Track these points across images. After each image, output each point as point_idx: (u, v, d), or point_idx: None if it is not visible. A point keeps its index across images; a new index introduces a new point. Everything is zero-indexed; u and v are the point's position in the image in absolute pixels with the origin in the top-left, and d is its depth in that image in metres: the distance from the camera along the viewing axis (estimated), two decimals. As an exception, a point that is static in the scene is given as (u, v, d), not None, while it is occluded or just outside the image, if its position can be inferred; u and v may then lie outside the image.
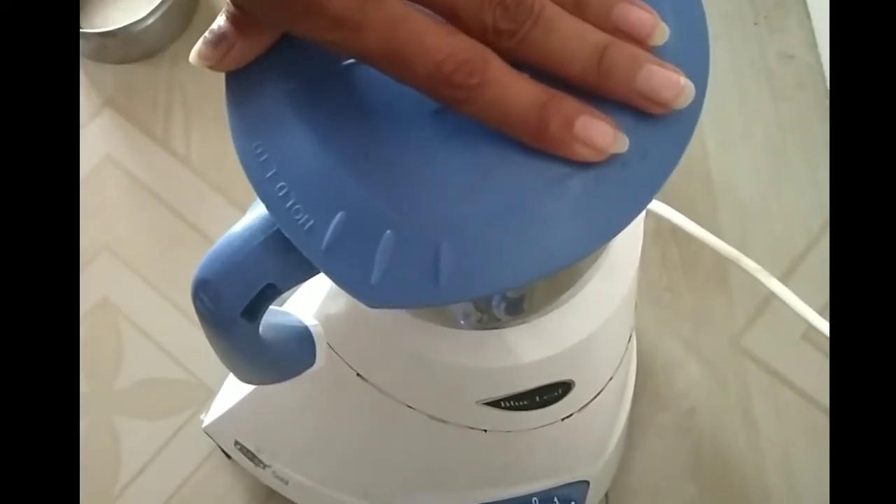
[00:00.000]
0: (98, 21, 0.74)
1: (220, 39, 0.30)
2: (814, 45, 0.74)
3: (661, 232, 0.68)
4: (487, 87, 0.28)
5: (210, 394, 0.64)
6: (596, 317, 0.43)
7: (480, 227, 0.29)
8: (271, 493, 0.63)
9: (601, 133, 0.29)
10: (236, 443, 0.60)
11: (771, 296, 0.65)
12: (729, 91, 0.72)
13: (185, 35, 0.75)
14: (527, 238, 0.29)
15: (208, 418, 0.62)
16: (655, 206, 0.60)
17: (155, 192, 0.72)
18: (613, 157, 0.29)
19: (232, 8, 0.30)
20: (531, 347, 0.42)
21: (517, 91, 0.28)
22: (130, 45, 0.74)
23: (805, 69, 0.73)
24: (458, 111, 0.28)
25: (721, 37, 0.73)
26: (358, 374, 0.48)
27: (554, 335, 0.43)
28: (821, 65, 0.73)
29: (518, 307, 0.41)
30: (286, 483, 0.60)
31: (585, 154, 0.29)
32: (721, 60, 0.73)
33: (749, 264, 0.59)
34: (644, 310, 0.67)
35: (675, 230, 0.62)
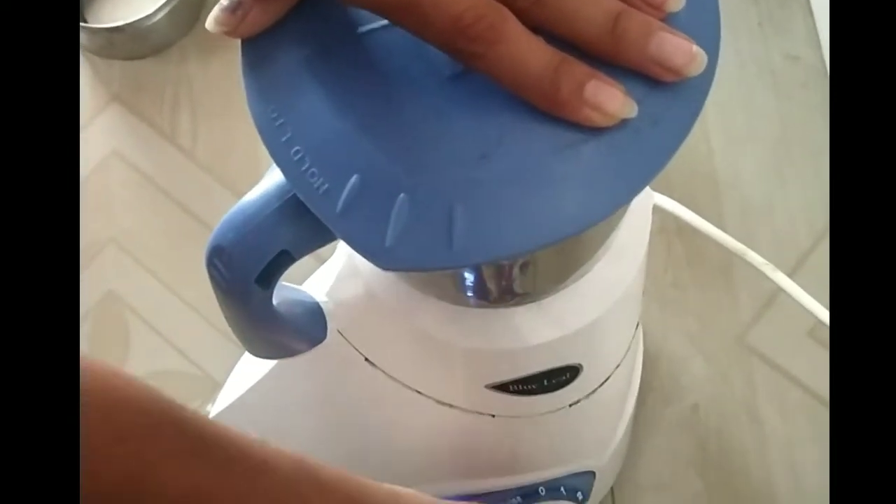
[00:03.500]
0: (106, 17, 0.74)
1: (236, 5, 0.30)
2: (818, 45, 0.74)
3: (666, 228, 0.69)
4: (504, 45, 0.28)
5: (216, 386, 0.64)
6: (604, 300, 0.43)
7: (494, 190, 0.29)
8: (276, 485, 0.63)
9: (611, 98, 0.29)
10: (242, 434, 0.60)
11: (776, 292, 0.65)
12: (734, 90, 0.73)
13: (192, 31, 0.76)
14: (540, 202, 0.29)
15: (214, 409, 0.62)
16: (661, 201, 0.60)
17: (161, 187, 0.73)
18: (624, 124, 0.29)
19: None
20: (539, 329, 0.43)
21: (532, 51, 0.28)
22: (138, 41, 0.74)
23: (809, 69, 0.73)
24: (472, 66, 0.29)
25: (726, 37, 0.73)
26: (367, 360, 0.48)
27: (562, 317, 0.43)
28: (824, 65, 0.73)
29: (528, 286, 0.41)
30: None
31: (595, 118, 0.29)
32: (726, 60, 0.73)
33: (755, 258, 0.59)
34: (649, 306, 0.67)
35: (681, 226, 0.63)
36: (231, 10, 0.30)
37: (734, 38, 0.74)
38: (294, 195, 0.31)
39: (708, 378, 0.66)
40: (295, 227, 0.33)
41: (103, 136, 0.74)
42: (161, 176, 0.73)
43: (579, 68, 0.29)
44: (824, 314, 0.59)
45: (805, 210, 0.70)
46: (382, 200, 0.29)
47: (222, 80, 0.74)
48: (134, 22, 0.73)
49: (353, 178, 0.29)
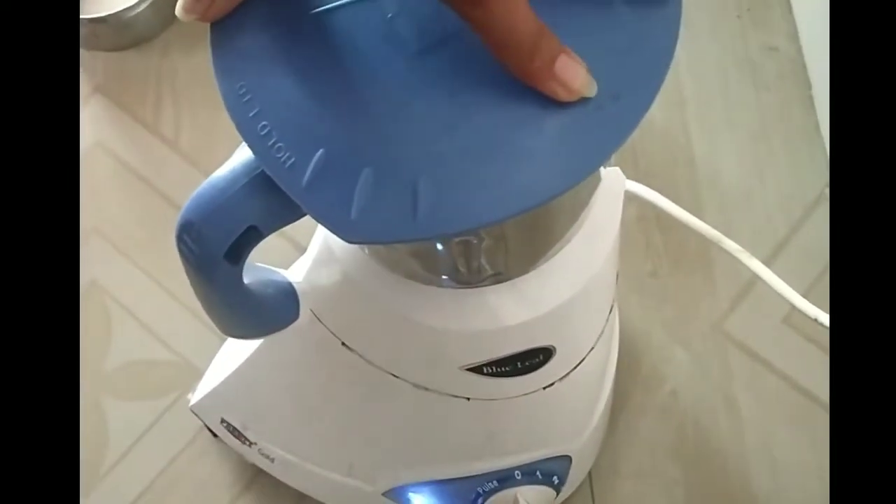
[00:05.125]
0: (89, 7, 0.75)
1: None
2: (796, 37, 0.75)
3: (645, 218, 0.69)
4: (503, 2, 0.28)
5: (197, 375, 0.64)
6: (577, 280, 0.44)
7: (457, 162, 0.29)
8: (257, 473, 0.64)
9: (576, 75, 0.30)
10: (222, 420, 0.61)
11: (753, 280, 0.66)
12: (713, 81, 0.73)
13: (176, 22, 0.76)
14: (503, 173, 0.29)
15: (195, 397, 0.62)
16: (639, 190, 0.61)
17: (144, 177, 0.73)
18: (586, 100, 0.30)
19: None
20: (512, 310, 0.43)
21: (522, 17, 0.29)
22: (121, 33, 0.75)
23: (787, 61, 0.74)
24: (468, 17, 0.29)
25: (705, 29, 0.74)
26: (343, 343, 0.48)
27: (535, 298, 0.43)
28: (802, 57, 0.74)
29: (499, 265, 0.41)
30: (272, 461, 0.61)
31: (559, 93, 0.30)
32: (705, 52, 0.74)
33: (731, 245, 0.60)
34: (628, 295, 0.68)
35: (660, 216, 0.63)
36: None
37: (713, 30, 0.75)
38: (262, 171, 0.32)
39: (686, 365, 0.66)
40: (263, 203, 0.34)
41: (87, 127, 0.74)
42: (144, 167, 0.73)
43: (554, 42, 0.30)
44: (800, 301, 0.60)
45: (782, 199, 0.70)
46: (347, 174, 0.29)
47: (206, 72, 0.73)
48: (117, 13, 0.73)
49: (319, 153, 0.30)
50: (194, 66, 0.75)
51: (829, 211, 0.69)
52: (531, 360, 0.46)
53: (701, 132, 0.72)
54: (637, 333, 0.67)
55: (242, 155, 0.35)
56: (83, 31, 0.74)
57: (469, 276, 0.41)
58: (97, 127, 0.74)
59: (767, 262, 0.67)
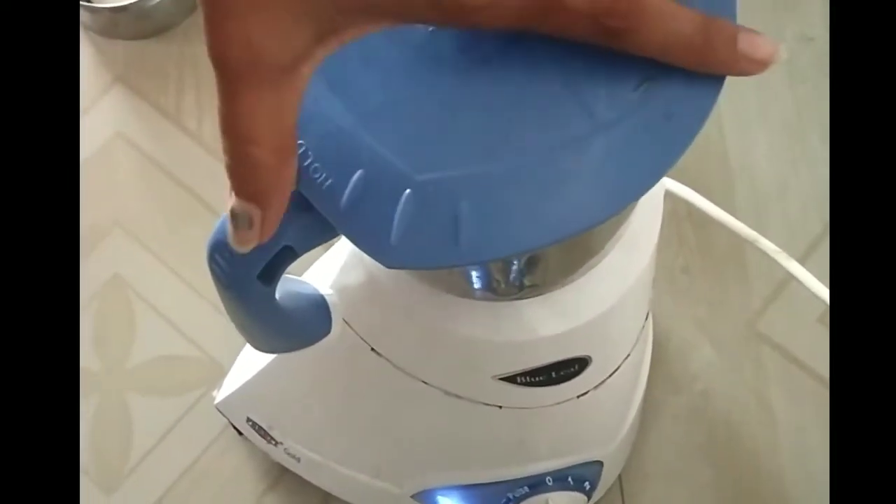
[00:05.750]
0: (110, -4, 0.74)
1: (248, 222, 0.29)
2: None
3: (676, 213, 0.68)
4: (649, 14, 0.27)
5: (222, 371, 0.63)
6: (615, 291, 0.42)
7: (501, 186, 0.28)
8: (283, 471, 0.63)
9: (763, 45, 0.29)
10: (248, 419, 0.60)
11: (787, 279, 0.64)
12: (747, 73, 0.72)
13: (197, 11, 0.75)
14: (548, 199, 0.28)
15: (220, 395, 0.61)
16: (672, 186, 0.59)
17: (167, 170, 0.72)
18: (636, 119, 0.28)
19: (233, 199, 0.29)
20: (548, 321, 0.42)
21: (679, 17, 0.28)
22: (142, 21, 0.73)
23: (823, 51, 0.72)
24: (619, 44, 0.27)
25: (739, 19, 0.72)
26: (373, 349, 0.47)
27: (572, 309, 0.42)
28: (840, 47, 0.72)
29: (536, 278, 0.40)
30: (298, 460, 0.60)
31: (751, 68, 0.29)
32: (739, 42, 0.72)
33: (767, 245, 0.59)
34: (659, 292, 0.67)
35: (692, 211, 0.62)
36: (246, 227, 0.29)
37: (748, 20, 0.72)
38: (298, 190, 0.31)
39: (717, 365, 0.65)
40: (299, 223, 0.32)
41: (107, 118, 0.73)
42: (166, 159, 0.72)
43: (726, 24, 0.29)
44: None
45: (817, 195, 0.69)
46: (387, 196, 0.28)
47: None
48: (138, 2, 0.72)
49: (358, 174, 0.28)
50: (217, 56, 0.74)
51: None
52: (567, 369, 0.45)
53: (734, 125, 0.71)
54: (668, 331, 0.66)
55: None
56: (103, 20, 0.73)
57: (506, 289, 0.40)
58: (118, 117, 0.73)
59: (803, 258, 0.66)
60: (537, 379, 0.45)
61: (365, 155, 0.29)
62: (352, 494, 0.61)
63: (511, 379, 0.45)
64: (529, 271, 0.39)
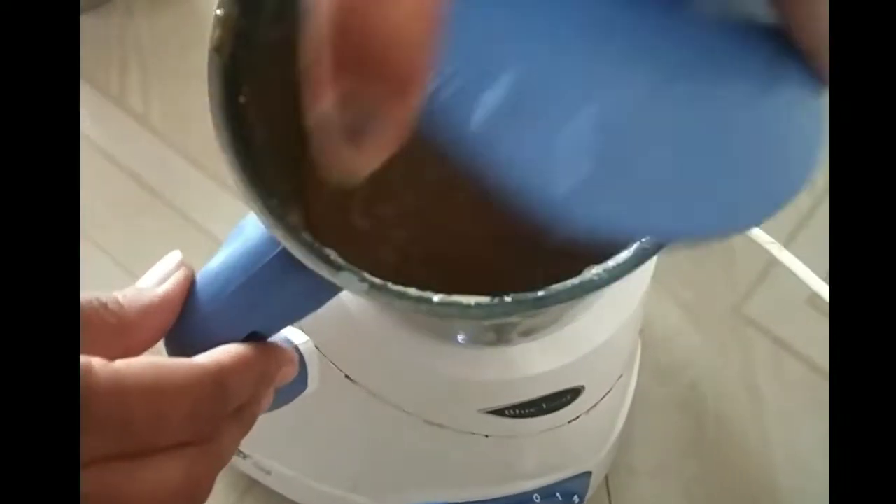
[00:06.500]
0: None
1: (364, 119, 0.17)
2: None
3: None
4: None
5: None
6: (611, 324, 0.39)
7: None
8: (252, 483, 0.60)
9: None
10: (213, 433, 0.56)
11: (773, 261, 0.61)
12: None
13: (138, -19, 0.69)
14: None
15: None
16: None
17: (111, 156, 0.67)
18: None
19: None
20: (539, 359, 0.39)
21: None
22: (78, -6, 0.67)
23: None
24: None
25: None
26: (346, 376, 0.44)
27: (565, 346, 0.39)
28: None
29: (527, 329, 0.36)
30: (269, 473, 0.57)
31: None
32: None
33: (757, 233, 0.56)
34: (641, 275, 0.64)
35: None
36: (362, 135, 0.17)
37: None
38: (266, 264, 0.27)
39: (704, 353, 0.62)
40: (272, 299, 0.28)
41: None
42: (110, 144, 0.67)
43: None
44: (822, 287, 0.56)
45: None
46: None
47: (175, 35, 0.68)
48: (71, -27, 0.65)
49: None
50: (162, 31, 0.68)
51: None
52: (559, 400, 0.42)
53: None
54: (652, 318, 0.63)
55: (231, 249, 0.29)
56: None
57: (496, 341, 0.37)
58: (57, 100, 0.68)
59: (791, 237, 0.63)
60: (527, 411, 0.42)
61: None
62: (327, 507, 0.58)
63: (499, 412, 0.42)
64: (521, 328, 0.35)
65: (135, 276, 0.64)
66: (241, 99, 0.30)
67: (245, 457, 0.56)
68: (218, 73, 0.29)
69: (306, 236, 0.28)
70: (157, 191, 0.66)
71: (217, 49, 0.29)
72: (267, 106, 0.31)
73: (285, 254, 0.27)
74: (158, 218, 0.65)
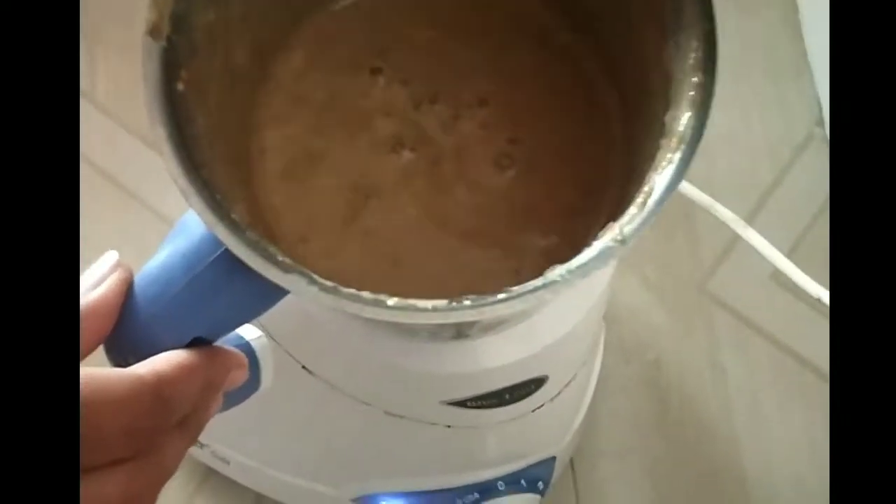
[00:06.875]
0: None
1: None
2: (782, -46, 0.68)
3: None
4: None
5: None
6: (573, 314, 0.38)
7: None
8: (209, 473, 0.58)
9: None
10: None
11: (737, 236, 0.60)
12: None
13: (80, -48, 0.66)
14: None
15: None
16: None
17: (58, 136, 0.64)
18: None
19: None
20: (501, 351, 0.38)
21: None
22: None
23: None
24: None
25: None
26: (304, 367, 0.43)
27: (527, 337, 0.37)
28: (790, -23, 0.67)
29: (488, 326, 0.35)
30: (227, 463, 0.55)
31: None
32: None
33: (719, 210, 0.55)
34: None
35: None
36: None
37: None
38: (211, 263, 0.25)
39: (668, 330, 0.62)
40: (212, 308, 0.27)
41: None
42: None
43: None
44: (786, 264, 0.56)
45: (768, 141, 0.65)
46: None
47: (121, 8, 0.65)
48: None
49: None
50: (105, 3, 0.66)
51: (818, 152, 0.64)
52: (522, 390, 0.41)
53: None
54: (616, 297, 0.62)
55: (171, 249, 0.27)
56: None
57: (456, 336, 0.35)
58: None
59: (754, 212, 0.63)
60: (490, 401, 0.41)
61: None
62: (286, 496, 0.57)
63: (461, 403, 0.41)
64: (482, 324, 0.34)
65: (83, 263, 0.63)
66: (180, 86, 0.28)
67: (202, 446, 0.55)
68: (153, 57, 0.27)
69: (251, 234, 0.26)
70: (105, 170, 0.63)
71: (151, 32, 0.28)
72: (206, 93, 0.29)
73: (230, 253, 0.25)
74: (107, 199, 0.63)
